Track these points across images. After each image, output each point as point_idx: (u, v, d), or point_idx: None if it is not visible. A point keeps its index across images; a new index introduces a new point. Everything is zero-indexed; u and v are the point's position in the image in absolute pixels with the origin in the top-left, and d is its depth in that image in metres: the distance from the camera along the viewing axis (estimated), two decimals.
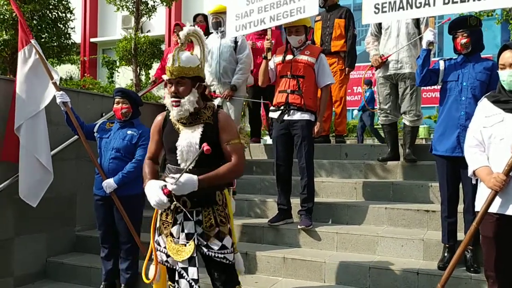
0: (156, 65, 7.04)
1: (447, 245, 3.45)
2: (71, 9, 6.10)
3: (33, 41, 3.95)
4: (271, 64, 4.26)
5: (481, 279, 3.11)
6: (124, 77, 12.07)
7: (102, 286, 3.86)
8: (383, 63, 4.71)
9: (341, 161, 5.11)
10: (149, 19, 7.57)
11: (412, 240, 3.68)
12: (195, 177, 2.37)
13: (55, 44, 5.62)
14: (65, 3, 5.87)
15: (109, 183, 3.68)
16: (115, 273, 3.87)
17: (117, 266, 3.86)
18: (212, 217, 2.56)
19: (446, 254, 3.41)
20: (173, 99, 2.52)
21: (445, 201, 3.45)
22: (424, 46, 3.54)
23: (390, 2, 3.60)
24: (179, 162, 2.55)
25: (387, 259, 3.66)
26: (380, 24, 4.80)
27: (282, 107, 4.10)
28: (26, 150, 3.85)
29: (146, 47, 7.26)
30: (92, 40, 17.97)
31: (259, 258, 3.86)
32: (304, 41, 4.20)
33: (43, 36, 5.30)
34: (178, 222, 2.58)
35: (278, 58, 4.24)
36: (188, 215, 2.55)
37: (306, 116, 4.06)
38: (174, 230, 2.59)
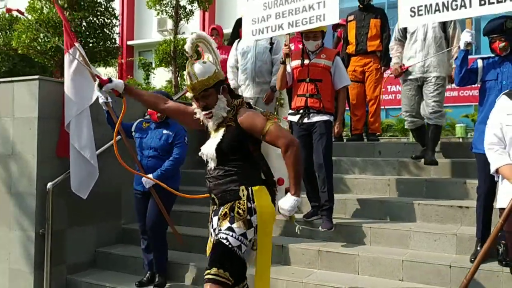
0: None
1: (480, 239, 3.52)
2: (116, 15, 6.45)
3: (77, 44, 4.17)
4: (288, 69, 4.30)
5: None
6: (162, 78, 12.44)
7: (147, 275, 4.13)
8: (402, 73, 4.73)
9: (375, 159, 5.21)
10: (187, 23, 7.85)
11: (445, 235, 3.76)
12: (294, 198, 2.53)
13: (102, 48, 5.97)
14: (111, 10, 6.21)
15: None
16: None
17: None
18: (229, 207, 2.55)
19: (478, 248, 3.48)
20: (204, 112, 2.57)
21: (482, 196, 3.49)
22: (462, 46, 3.54)
23: (426, 5, 3.62)
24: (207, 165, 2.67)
25: (420, 253, 3.75)
26: (405, 28, 4.75)
27: (301, 111, 4.16)
28: (74, 146, 4.15)
29: (185, 50, 7.54)
30: (129, 43, 18.55)
31: (295, 250, 4.02)
32: (321, 45, 4.26)
33: (90, 41, 5.65)
34: (211, 218, 2.70)
35: (295, 63, 4.28)
36: (215, 212, 2.65)
37: (325, 117, 4.12)
38: (210, 226, 2.71)
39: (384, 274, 3.65)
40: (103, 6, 6.07)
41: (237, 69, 5.40)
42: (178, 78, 7.68)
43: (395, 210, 4.27)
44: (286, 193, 2.71)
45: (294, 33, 4.77)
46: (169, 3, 7.17)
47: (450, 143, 5.06)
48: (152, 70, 12.55)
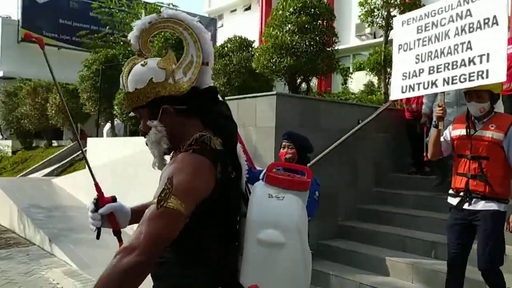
0: None
1: None
2: (336, 33, 7.13)
3: None
4: (447, 136, 3.61)
5: None
6: (359, 82, 12.82)
7: None
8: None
9: None
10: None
11: None
12: None
13: (324, 64, 6.72)
14: (331, 29, 6.89)
15: None
16: None
17: None
18: None
19: None
20: (145, 140, 1.63)
21: None
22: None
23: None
24: None
25: None
26: None
27: (461, 194, 3.45)
28: None
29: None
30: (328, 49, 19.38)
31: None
32: (489, 110, 3.47)
33: (314, 58, 6.34)
34: None
35: (456, 132, 3.55)
36: None
37: (492, 206, 3.33)
38: None
39: None
40: (324, 26, 6.83)
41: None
42: (388, 86, 7.99)
43: None
44: None
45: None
46: (379, 15, 7.53)
47: None
48: (349, 75, 13.06)
